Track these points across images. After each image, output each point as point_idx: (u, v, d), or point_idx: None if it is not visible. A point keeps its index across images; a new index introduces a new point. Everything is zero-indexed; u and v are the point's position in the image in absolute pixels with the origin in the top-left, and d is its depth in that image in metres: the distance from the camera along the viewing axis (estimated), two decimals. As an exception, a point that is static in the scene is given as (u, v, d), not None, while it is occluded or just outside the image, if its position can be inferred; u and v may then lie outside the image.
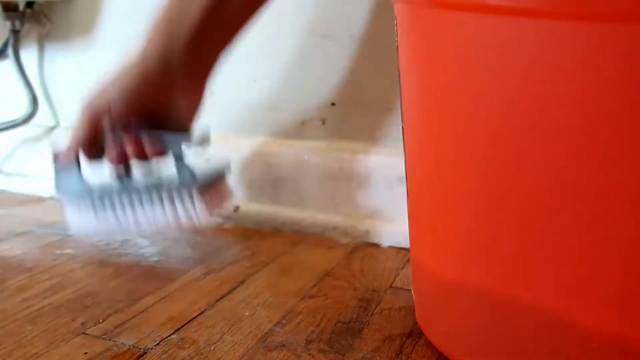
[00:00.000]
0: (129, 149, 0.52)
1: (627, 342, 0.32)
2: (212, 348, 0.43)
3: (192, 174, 0.53)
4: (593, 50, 0.28)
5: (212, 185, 0.55)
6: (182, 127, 0.53)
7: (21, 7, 0.82)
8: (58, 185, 0.56)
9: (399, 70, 0.42)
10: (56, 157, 0.55)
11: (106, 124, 0.51)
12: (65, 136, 0.54)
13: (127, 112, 0.51)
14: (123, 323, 0.47)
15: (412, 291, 0.48)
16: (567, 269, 0.33)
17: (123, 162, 0.53)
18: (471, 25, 0.33)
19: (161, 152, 0.52)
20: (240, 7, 0.51)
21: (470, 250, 0.38)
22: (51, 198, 0.80)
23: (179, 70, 0.50)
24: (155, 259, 0.60)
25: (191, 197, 0.53)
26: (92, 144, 0.52)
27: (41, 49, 0.87)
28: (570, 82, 0.30)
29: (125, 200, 0.54)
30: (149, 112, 0.51)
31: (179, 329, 0.46)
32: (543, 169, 0.32)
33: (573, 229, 0.32)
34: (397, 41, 0.41)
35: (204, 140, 0.54)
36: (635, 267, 0.31)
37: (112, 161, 0.53)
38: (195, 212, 0.54)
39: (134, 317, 0.48)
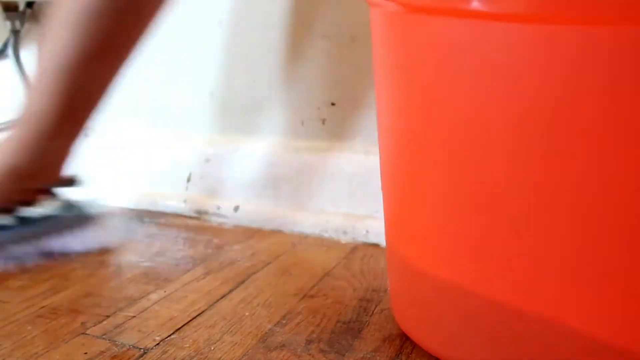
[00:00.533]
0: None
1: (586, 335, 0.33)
2: (212, 348, 0.43)
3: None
4: (558, 52, 0.29)
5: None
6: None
7: (21, 7, 0.82)
8: None
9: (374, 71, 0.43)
10: None
11: None
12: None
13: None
14: (123, 323, 0.47)
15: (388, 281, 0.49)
16: (520, 262, 0.34)
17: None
18: (436, 27, 0.34)
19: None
20: (97, 87, 0.58)
21: (431, 242, 0.39)
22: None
23: (47, 157, 0.59)
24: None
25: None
26: None
27: (41, 49, 0.87)
28: (523, 81, 0.31)
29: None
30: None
31: (179, 329, 0.46)
32: (504, 163, 0.33)
33: (525, 225, 0.33)
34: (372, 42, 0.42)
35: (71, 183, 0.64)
36: (579, 261, 0.32)
37: None
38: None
39: (134, 317, 0.48)
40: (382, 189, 0.45)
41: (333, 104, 0.70)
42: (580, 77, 0.29)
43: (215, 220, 0.72)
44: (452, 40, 0.33)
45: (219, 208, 0.73)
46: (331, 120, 0.70)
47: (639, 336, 0.32)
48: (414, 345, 0.43)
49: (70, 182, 0.64)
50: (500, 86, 0.32)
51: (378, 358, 0.42)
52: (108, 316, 0.48)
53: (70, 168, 0.62)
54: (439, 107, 0.35)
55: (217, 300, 0.51)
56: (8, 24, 0.82)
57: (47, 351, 0.43)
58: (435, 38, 0.34)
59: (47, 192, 0.63)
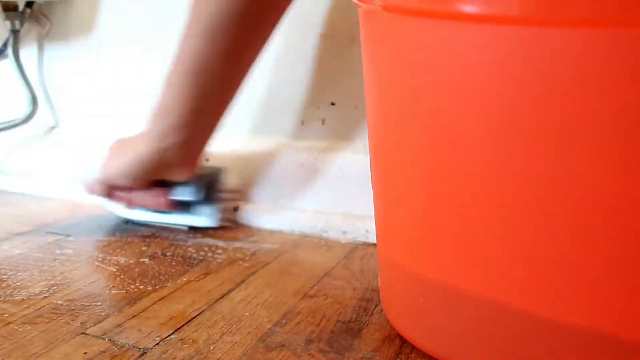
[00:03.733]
0: (138, 203, 0.68)
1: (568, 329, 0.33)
2: (212, 348, 0.43)
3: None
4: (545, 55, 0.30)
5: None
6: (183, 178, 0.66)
7: (21, 7, 0.82)
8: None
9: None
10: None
11: (118, 187, 0.67)
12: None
13: (130, 186, 0.66)
14: (123, 323, 0.47)
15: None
16: (508, 260, 0.35)
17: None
18: (414, 28, 0.34)
19: (166, 207, 0.67)
20: (221, 96, 0.61)
21: (416, 240, 0.40)
22: (51, 198, 0.80)
23: (174, 151, 0.62)
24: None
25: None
26: (109, 195, 0.69)
27: (41, 49, 0.87)
28: (500, 82, 0.31)
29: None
30: (149, 183, 0.66)
31: (178, 329, 0.46)
32: (487, 163, 0.34)
33: (505, 223, 0.34)
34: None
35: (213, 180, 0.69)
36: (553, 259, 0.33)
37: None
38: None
39: (134, 317, 0.48)
40: (372, 188, 0.46)
41: (333, 104, 0.70)
42: (560, 78, 0.29)
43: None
44: (431, 41, 0.34)
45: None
46: (331, 120, 0.70)
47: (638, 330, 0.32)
48: (414, 345, 0.43)
49: (203, 178, 0.67)
50: (477, 87, 0.32)
51: (378, 358, 0.42)
52: (108, 316, 0.48)
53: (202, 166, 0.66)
54: (419, 107, 0.36)
55: (217, 300, 0.51)
56: (8, 23, 0.82)
57: (47, 351, 0.43)
58: (416, 38, 0.35)
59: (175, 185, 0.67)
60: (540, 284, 0.34)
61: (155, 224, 0.70)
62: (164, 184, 0.66)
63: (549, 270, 0.33)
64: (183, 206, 0.68)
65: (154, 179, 0.65)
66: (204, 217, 0.68)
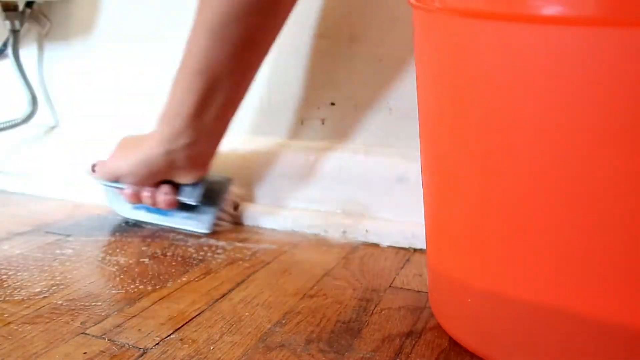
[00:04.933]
0: (144, 200, 0.67)
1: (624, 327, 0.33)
2: (212, 348, 0.43)
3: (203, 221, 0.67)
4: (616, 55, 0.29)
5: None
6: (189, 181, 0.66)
7: (21, 7, 0.82)
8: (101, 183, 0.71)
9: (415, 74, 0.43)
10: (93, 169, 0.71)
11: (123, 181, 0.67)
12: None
13: (136, 182, 0.66)
14: (123, 323, 0.47)
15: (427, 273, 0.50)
16: (545, 262, 0.34)
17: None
18: (472, 29, 0.34)
19: (171, 205, 0.66)
20: (229, 96, 0.62)
21: (462, 239, 0.40)
22: (51, 198, 0.80)
23: (182, 153, 0.62)
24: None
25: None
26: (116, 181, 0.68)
27: (41, 49, 0.87)
28: (562, 84, 0.31)
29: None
30: (156, 182, 0.66)
31: (178, 329, 0.46)
32: (542, 169, 0.33)
33: (551, 227, 0.34)
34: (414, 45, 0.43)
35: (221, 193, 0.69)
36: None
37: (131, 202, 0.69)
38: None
39: (133, 317, 0.48)
40: (423, 192, 0.46)
41: (333, 104, 0.70)
42: (626, 80, 0.29)
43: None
44: (489, 42, 0.33)
45: (218, 208, 0.73)
46: (331, 120, 0.70)
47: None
48: (414, 345, 0.43)
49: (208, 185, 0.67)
50: (534, 88, 0.32)
51: (377, 358, 0.42)
52: (107, 316, 0.48)
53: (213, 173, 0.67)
54: (474, 110, 0.36)
55: (217, 300, 0.51)
56: (8, 23, 0.82)
57: (47, 351, 0.43)
58: (474, 40, 0.34)
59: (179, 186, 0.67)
60: (589, 286, 0.33)
61: (153, 224, 0.70)
62: (173, 183, 0.66)
63: (599, 272, 0.33)
64: (186, 208, 0.68)
65: (160, 179, 0.66)
66: (199, 223, 0.67)
